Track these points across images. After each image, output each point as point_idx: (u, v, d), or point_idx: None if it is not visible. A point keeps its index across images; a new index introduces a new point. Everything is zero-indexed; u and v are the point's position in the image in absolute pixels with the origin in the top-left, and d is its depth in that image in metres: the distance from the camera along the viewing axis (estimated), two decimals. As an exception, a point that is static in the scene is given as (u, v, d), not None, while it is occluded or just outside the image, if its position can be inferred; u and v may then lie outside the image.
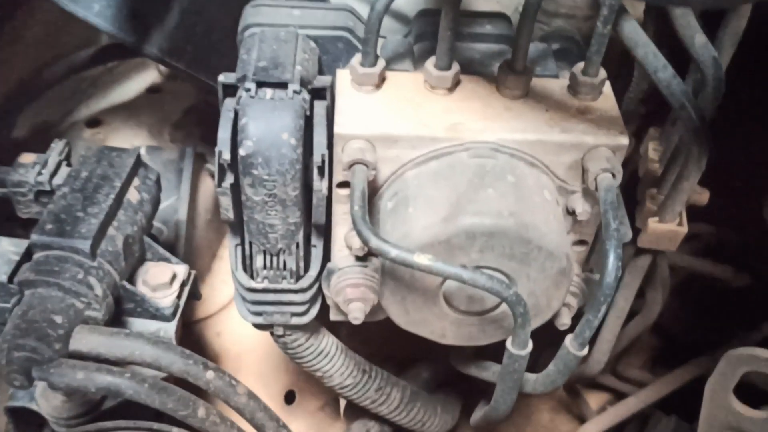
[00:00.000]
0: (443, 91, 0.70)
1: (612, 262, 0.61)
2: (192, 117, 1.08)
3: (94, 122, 1.07)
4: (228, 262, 1.10)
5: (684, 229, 0.82)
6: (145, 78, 1.14)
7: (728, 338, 1.09)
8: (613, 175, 0.66)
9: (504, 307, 0.68)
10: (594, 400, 1.25)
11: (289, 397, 1.13)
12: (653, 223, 0.82)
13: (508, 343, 0.66)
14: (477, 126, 0.68)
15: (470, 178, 0.65)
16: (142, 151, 1.03)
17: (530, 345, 0.66)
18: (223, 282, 1.10)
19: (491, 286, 0.60)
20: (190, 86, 1.11)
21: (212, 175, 1.08)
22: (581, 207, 0.69)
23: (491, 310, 0.69)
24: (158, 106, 1.09)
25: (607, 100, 0.71)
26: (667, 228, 0.82)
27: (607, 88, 0.71)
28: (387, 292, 0.69)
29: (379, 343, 1.01)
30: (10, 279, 0.70)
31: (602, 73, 0.70)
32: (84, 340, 0.68)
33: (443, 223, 0.63)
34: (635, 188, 0.89)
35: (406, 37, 0.83)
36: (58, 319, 0.67)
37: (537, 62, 0.74)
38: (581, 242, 0.75)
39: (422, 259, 0.59)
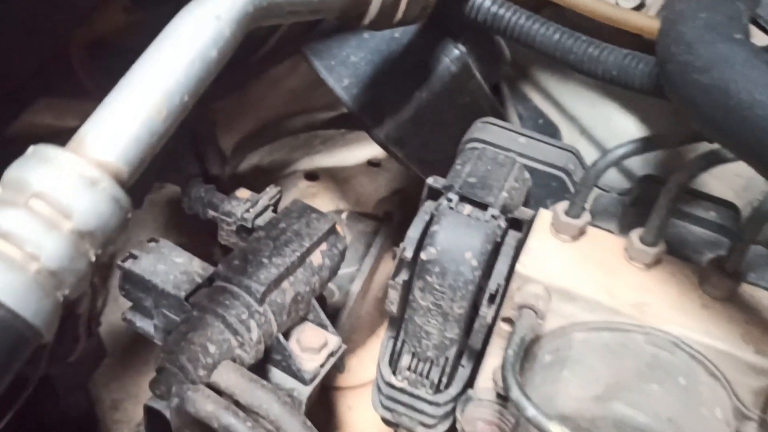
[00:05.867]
0: (641, 266, 0.67)
1: None
2: (397, 198, 1.12)
3: (312, 176, 1.15)
4: (383, 343, 1.09)
5: None
6: (371, 150, 1.20)
7: None
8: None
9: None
10: None
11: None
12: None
13: None
14: (664, 313, 0.63)
15: (639, 366, 0.61)
16: (344, 216, 1.09)
17: None
18: (372, 360, 1.11)
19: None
20: (406, 170, 1.15)
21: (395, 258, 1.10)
22: (755, 438, 0.62)
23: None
24: (373, 178, 1.14)
25: (820, 335, 0.63)
26: None
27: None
28: (516, 444, 0.66)
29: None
30: (187, 297, 0.76)
31: (825, 304, 0.63)
32: (225, 376, 0.72)
33: (594, 401, 0.59)
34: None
35: (624, 194, 0.81)
36: (212, 348, 0.72)
37: (753, 267, 0.68)
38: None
39: (557, 430, 0.56)
